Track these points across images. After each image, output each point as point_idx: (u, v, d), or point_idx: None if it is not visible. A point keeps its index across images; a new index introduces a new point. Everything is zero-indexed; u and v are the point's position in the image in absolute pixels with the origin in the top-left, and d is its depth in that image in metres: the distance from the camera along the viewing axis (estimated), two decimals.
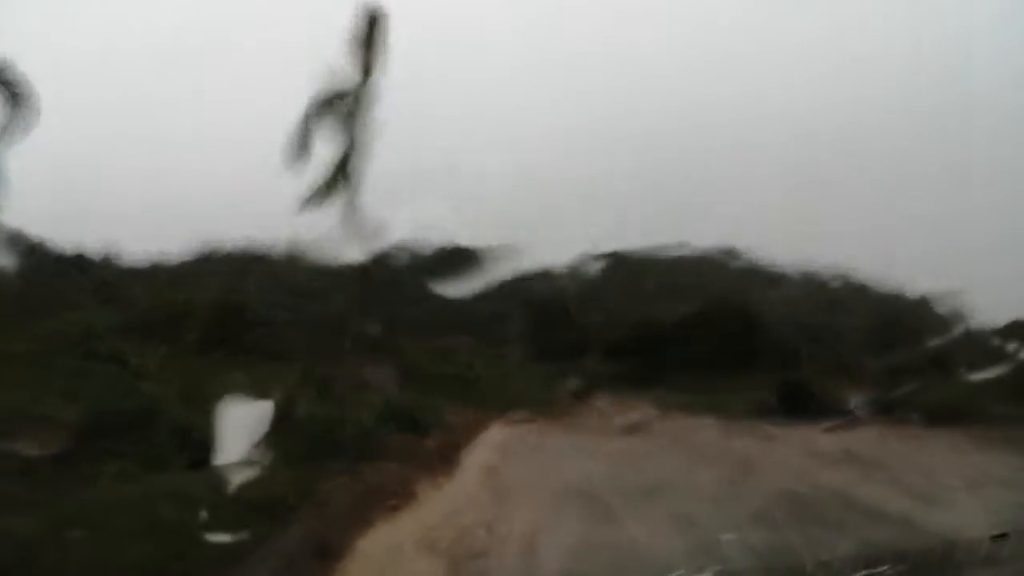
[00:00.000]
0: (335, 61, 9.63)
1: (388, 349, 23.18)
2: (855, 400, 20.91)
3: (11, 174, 8.47)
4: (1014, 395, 15.50)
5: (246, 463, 8.04)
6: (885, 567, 4.86)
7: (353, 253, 10.05)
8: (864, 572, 4.68)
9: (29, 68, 8.34)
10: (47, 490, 6.35)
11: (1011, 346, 19.74)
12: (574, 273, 48.68)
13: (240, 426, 8.69)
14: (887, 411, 19.38)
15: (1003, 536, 4.16)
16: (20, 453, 7.62)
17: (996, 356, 19.05)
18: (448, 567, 5.28)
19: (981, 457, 11.31)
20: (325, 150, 9.71)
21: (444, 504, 7.57)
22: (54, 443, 7.92)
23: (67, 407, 9.39)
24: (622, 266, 52.66)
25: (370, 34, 9.83)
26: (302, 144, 9.71)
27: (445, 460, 10.29)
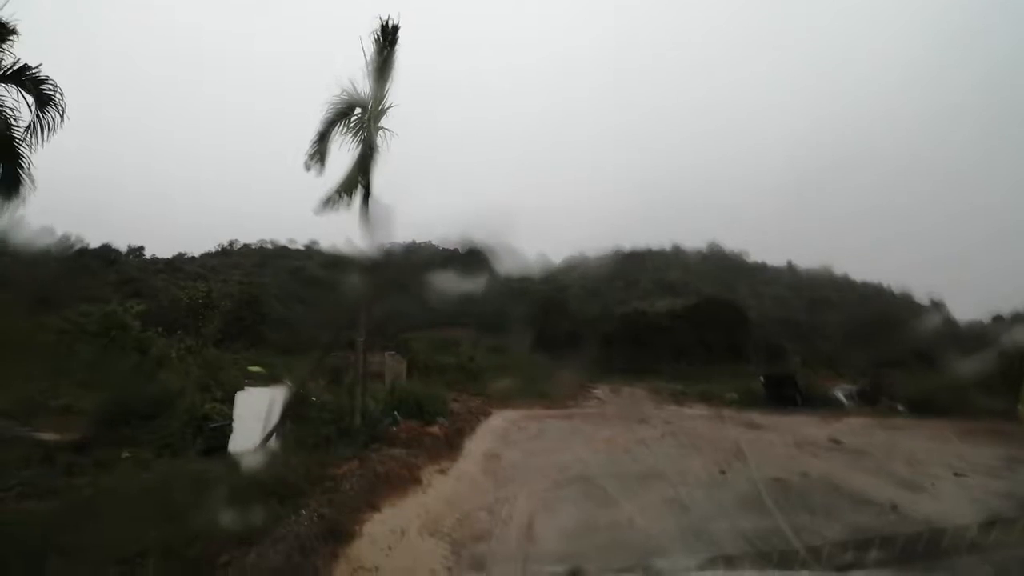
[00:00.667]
0: (351, 71, 9.57)
1: (396, 340, 23.18)
2: (840, 391, 20.79)
3: (39, 173, 8.31)
4: (996, 387, 15.33)
5: (260, 449, 7.99)
6: (873, 552, 4.77)
7: (365, 249, 9.96)
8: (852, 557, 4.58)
9: (56, 71, 8.16)
10: (66, 476, 6.30)
11: (993, 340, 19.55)
12: (573, 268, 48.46)
13: (254, 414, 8.64)
14: (872, 402, 19.26)
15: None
16: (41, 440, 7.57)
17: (978, 349, 18.87)
18: (451, 549, 5.20)
19: (965, 447, 11.17)
20: (342, 155, 9.65)
21: (448, 489, 7.51)
22: (73, 431, 7.86)
23: (87, 396, 9.33)
24: (619, 262, 52.47)
25: (384, 45, 9.76)
26: (320, 149, 9.69)
27: (449, 447, 10.21)
